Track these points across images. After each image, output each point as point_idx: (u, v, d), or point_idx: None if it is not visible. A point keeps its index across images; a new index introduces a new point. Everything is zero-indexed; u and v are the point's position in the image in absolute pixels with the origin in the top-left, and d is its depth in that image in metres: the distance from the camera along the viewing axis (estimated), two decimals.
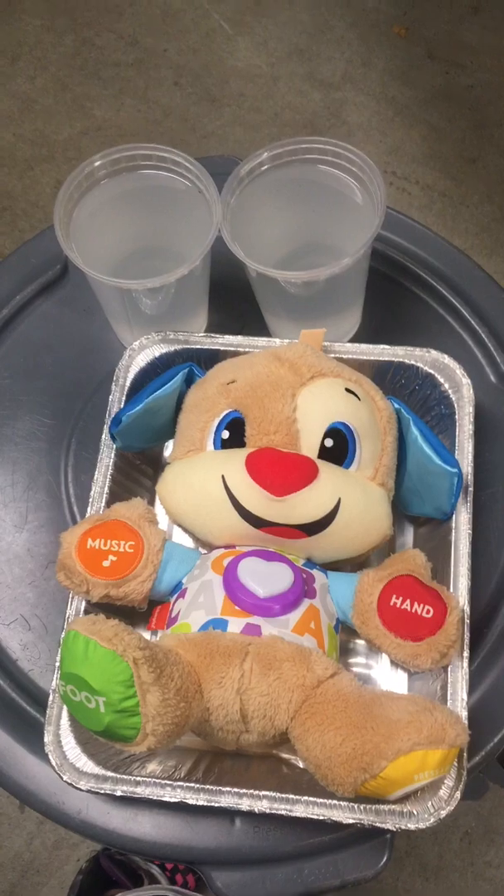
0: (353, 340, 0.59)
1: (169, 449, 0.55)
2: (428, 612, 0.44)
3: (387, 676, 0.50)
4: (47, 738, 0.44)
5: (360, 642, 0.51)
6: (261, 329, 0.59)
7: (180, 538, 0.52)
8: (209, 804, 0.42)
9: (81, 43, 1.44)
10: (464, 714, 0.43)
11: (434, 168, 1.34)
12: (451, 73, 1.41)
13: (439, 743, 0.38)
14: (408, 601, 0.44)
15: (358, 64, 1.42)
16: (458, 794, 0.42)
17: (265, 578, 0.44)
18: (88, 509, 0.49)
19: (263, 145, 0.52)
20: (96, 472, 0.50)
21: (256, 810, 0.42)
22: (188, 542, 0.52)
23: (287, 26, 1.45)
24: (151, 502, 0.54)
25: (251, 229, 0.53)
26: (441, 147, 1.35)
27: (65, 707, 0.44)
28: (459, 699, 0.44)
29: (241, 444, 0.47)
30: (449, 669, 0.44)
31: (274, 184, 0.53)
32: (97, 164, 0.52)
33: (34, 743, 0.50)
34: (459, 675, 0.44)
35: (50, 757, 0.44)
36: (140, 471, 0.55)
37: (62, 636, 0.45)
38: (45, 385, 0.60)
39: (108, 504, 0.49)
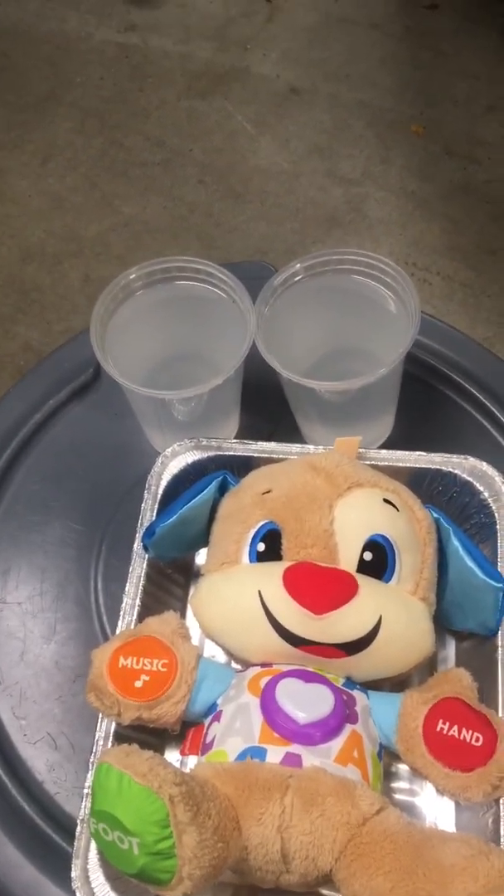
0: (386, 443, 0.59)
1: (200, 556, 0.54)
2: (477, 739, 0.42)
3: (433, 804, 0.47)
4: (75, 874, 0.42)
5: (403, 766, 0.48)
6: (292, 430, 0.59)
7: (210, 650, 0.51)
8: None
9: (110, 144, 1.50)
10: None
11: (454, 259, 1.36)
12: (469, 168, 1.44)
13: (497, 892, 0.35)
14: (455, 727, 0.42)
15: (377, 161, 1.46)
16: None
17: (305, 702, 0.42)
18: (120, 622, 0.48)
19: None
20: (127, 584, 0.49)
21: None
22: (220, 655, 0.50)
23: (307, 126, 1.50)
24: (183, 613, 0.52)
25: (285, 336, 0.53)
26: (460, 239, 1.38)
27: (93, 839, 0.42)
28: None
29: (278, 557, 0.45)
30: (501, 802, 0.42)
31: (307, 293, 0.54)
32: (132, 276, 0.53)
33: (61, 875, 0.47)
34: None
35: (77, 894, 0.41)
36: (171, 580, 0.53)
37: (91, 764, 0.43)
38: (75, 490, 0.60)
39: (140, 617, 0.48)
